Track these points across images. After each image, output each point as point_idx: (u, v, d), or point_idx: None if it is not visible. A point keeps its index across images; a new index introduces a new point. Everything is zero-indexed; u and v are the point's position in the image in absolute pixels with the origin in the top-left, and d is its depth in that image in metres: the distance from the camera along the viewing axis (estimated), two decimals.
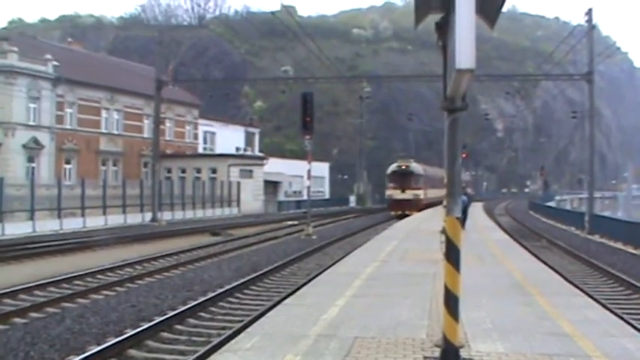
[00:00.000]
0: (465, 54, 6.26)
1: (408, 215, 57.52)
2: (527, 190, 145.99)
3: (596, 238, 39.88)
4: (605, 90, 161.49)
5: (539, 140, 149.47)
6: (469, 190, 63.02)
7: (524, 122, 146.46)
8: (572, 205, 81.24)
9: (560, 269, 23.94)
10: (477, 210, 62.81)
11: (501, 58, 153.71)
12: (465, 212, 33.34)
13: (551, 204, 79.67)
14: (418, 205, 62.91)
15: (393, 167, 65.29)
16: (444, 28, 7.90)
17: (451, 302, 8.31)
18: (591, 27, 43.77)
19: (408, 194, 62.53)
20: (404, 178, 63.58)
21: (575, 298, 14.67)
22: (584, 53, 45.63)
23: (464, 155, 51.07)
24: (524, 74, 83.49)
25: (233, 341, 10.57)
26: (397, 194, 63.23)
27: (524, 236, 40.22)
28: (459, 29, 6.33)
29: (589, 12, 43.48)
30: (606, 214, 53.59)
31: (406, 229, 36.61)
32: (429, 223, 38.35)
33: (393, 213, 61.92)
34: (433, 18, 8.13)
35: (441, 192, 51.50)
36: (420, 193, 64.06)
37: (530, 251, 28.28)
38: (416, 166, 65.56)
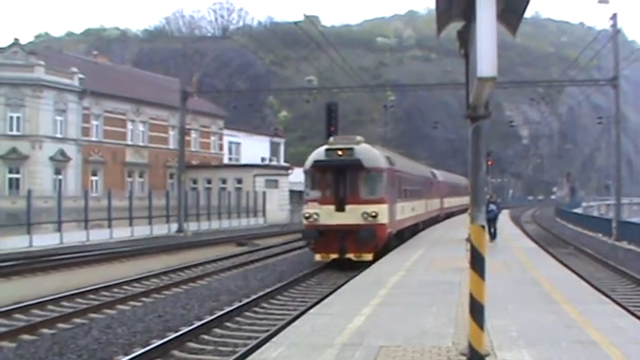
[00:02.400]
0: (486, 62, 6.26)
1: (351, 261, 26.18)
2: (553, 196, 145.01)
3: (624, 244, 39.46)
4: (631, 95, 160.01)
5: (565, 146, 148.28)
6: (496, 199, 36.12)
7: (550, 129, 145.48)
8: (599, 212, 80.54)
9: (588, 276, 23.73)
10: (503, 217, 60.84)
11: (525, 65, 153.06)
12: (494, 223, 31.77)
13: (578, 210, 78.99)
14: (380, 239, 26.70)
15: (318, 155, 27.74)
16: (466, 36, 7.90)
17: (476, 310, 8.29)
18: (616, 31, 43.45)
19: (353, 215, 26.54)
20: (342, 179, 27.24)
21: (602, 306, 14.54)
22: (610, 58, 45.31)
23: (489, 163, 50.64)
24: (549, 80, 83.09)
25: (259, 351, 10.59)
26: (327, 214, 26.84)
27: (550, 243, 39.90)
28: (480, 37, 6.33)
29: (614, 17, 43.22)
30: (634, 220, 53.08)
31: (431, 238, 36.44)
32: (455, 231, 38.12)
33: (318, 257, 27.13)
34: (455, 26, 8.15)
35: (430, 206, 44.33)
36: (384, 212, 26.93)
37: (556, 258, 28.05)
38: (370, 152, 27.86)
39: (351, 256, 25.82)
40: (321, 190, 27.27)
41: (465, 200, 71.86)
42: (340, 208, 26.25)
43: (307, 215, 26.55)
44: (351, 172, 26.55)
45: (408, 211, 33.52)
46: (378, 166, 26.90)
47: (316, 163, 26.96)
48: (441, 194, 52.37)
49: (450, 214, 59.36)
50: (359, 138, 27.96)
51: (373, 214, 25.79)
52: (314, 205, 26.70)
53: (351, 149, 26.52)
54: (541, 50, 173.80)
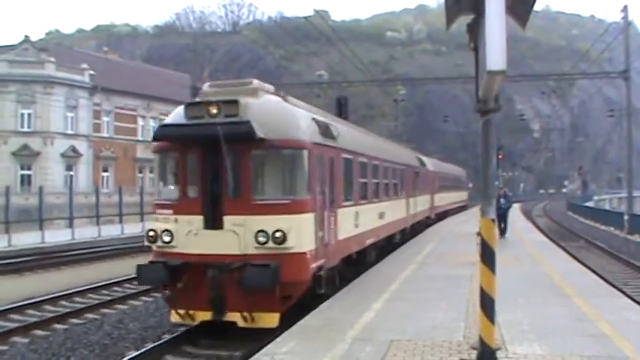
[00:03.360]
0: (495, 56, 6.25)
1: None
2: (564, 190, 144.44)
3: (636, 238, 39.21)
4: None
5: (577, 140, 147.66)
6: (507, 192, 33.95)
7: (561, 122, 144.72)
8: (611, 205, 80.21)
9: (599, 270, 23.72)
10: (514, 211, 59.94)
11: (536, 58, 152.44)
12: (504, 217, 30.18)
13: (590, 204, 78.70)
14: (294, 285, 13.30)
15: (176, 117, 14.66)
16: (476, 29, 7.88)
17: (487, 304, 8.28)
18: (627, 24, 43.21)
19: (237, 236, 13.34)
20: (218, 163, 13.49)
21: (614, 299, 14.50)
22: (620, 51, 44.95)
23: (500, 156, 50.45)
24: (560, 73, 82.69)
25: (270, 345, 10.62)
26: (187, 234, 13.72)
27: (562, 237, 39.84)
28: (490, 31, 6.32)
29: (624, 9, 42.95)
30: None
31: (441, 232, 36.36)
32: (465, 225, 38.06)
33: (174, 317, 13.98)
34: (465, 19, 8.13)
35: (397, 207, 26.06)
36: (303, 229, 13.53)
37: (568, 252, 27.98)
38: (274, 110, 14.28)
39: (235, 317, 13.23)
40: (179, 187, 14.38)
41: (464, 196, 66.67)
42: (213, 223, 13.54)
43: (151, 236, 14.28)
44: (234, 151, 13.31)
45: (368, 220, 20.06)
46: (291, 137, 13.71)
47: (166, 132, 14.22)
48: (431, 189, 39.79)
49: (443, 214, 47.61)
50: (255, 84, 14.76)
51: (278, 235, 13.00)
52: (165, 217, 14.24)
53: (233, 104, 13.51)
54: (552, 43, 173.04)
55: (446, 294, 14.86)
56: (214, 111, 13.34)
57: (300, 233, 13.23)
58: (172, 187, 14.94)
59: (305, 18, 42.14)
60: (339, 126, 17.91)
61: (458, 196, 58.87)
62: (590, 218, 58.71)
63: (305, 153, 13.79)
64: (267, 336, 12.17)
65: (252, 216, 13.21)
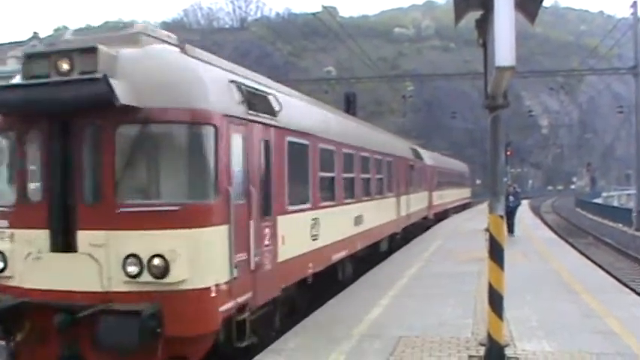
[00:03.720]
0: (504, 51, 6.24)
1: None
2: (573, 186, 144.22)
3: None
4: None
5: (585, 136, 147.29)
6: (516, 188, 32.01)
7: (570, 118, 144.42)
8: (619, 202, 79.94)
9: (607, 266, 23.66)
10: (522, 208, 57.30)
11: (545, 54, 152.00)
12: (512, 216, 28.86)
13: (598, 201, 78.49)
14: (190, 341, 8.67)
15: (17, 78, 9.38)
16: (484, 25, 7.88)
17: (495, 300, 8.30)
18: (637, 20, 43.02)
19: (95, 264, 8.51)
20: (67, 147, 8.75)
21: (622, 296, 14.47)
22: (630, 47, 44.75)
23: (508, 153, 50.25)
24: (569, 69, 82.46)
25: (278, 341, 10.63)
26: (26, 260, 8.85)
27: (570, 233, 39.75)
28: (498, 27, 6.32)
29: (634, 4, 42.77)
30: None
31: (447, 228, 36.33)
32: (472, 222, 38.04)
33: None
34: (474, 15, 8.13)
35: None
36: (204, 250, 8.75)
37: (576, 248, 27.91)
38: (154, 64, 8.94)
39: None
40: (16, 186, 9.38)
41: (466, 193, 62.52)
42: (63, 242, 8.81)
43: None
44: (93, 128, 8.80)
45: (335, 228, 15.22)
46: (185, 106, 8.93)
47: None
48: (429, 185, 35.53)
49: (443, 214, 43.55)
50: (139, 27, 9.72)
51: (156, 263, 8.43)
52: None
53: (90, 54, 8.57)
54: (560, 39, 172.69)
55: (453, 291, 14.85)
56: (65, 66, 8.48)
57: (198, 258, 8.54)
58: (7, 186, 9.58)
59: (313, 14, 42.24)
60: (285, 97, 12.68)
61: (460, 193, 54.68)
62: (598, 215, 58.58)
63: (208, 131, 8.97)
64: None
65: (119, 231, 8.45)
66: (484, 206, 55.91)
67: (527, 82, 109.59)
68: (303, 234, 12.84)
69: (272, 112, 11.09)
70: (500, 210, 8.36)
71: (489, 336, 8.42)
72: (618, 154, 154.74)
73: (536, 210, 66.61)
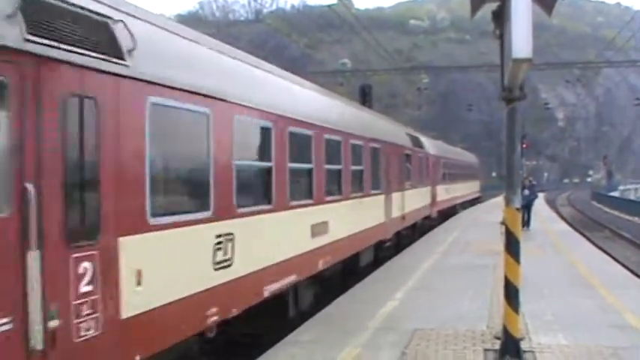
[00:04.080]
0: (521, 43, 6.20)
1: None
2: (589, 179, 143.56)
3: None
4: None
5: (602, 129, 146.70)
6: (532, 181, 31.21)
7: (586, 111, 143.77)
8: (636, 195, 79.59)
9: (624, 260, 23.48)
10: (537, 201, 54.18)
11: (561, 46, 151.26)
12: (528, 209, 28.30)
13: (615, 194, 78.12)
14: None
15: None
16: (501, 17, 7.83)
17: (511, 294, 8.26)
18: None
19: None
20: None
21: (639, 291, 14.38)
22: None
23: (524, 145, 49.96)
24: (585, 61, 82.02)
25: (293, 333, 10.62)
26: None
27: (586, 227, 39.51)
28: (515, 18, 6.27)
29: None
30: None
31: (465, 221, 36.25)
32: (489, 215, 37.90)
33: None
34: (490, 7, 8.08)
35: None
36: None
37: (592, 242, 27.75)
38: None
39: None
40: None
41: (476, 186, 57.30)
42: None
43: None
44: None
45: (268, 245, 10.27)
46: None
47: None
48: (432, 179, 30.81)
49: (449, 211, 38.85)
50: None
51: None
52: None
53: None
54: (577, 31, 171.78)
55: (469, 284, 14.81)
56: None
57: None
58: None
59: (328, 6, 42.15)
60: (156, 30, 7.72)
61: (468, 187, 49.15)
62: (615, 208, 58.36)
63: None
64: None
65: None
66: (492, 202, 55.61)
67: (544, 75, 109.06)
68: (195, 262, 7.95)
69: (114, 51, 6.38)
70: (517, 202, 8.32)
71: (505, 329, 8.39)
72: (635, 148, 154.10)
73: (552, 203, 66.30)
